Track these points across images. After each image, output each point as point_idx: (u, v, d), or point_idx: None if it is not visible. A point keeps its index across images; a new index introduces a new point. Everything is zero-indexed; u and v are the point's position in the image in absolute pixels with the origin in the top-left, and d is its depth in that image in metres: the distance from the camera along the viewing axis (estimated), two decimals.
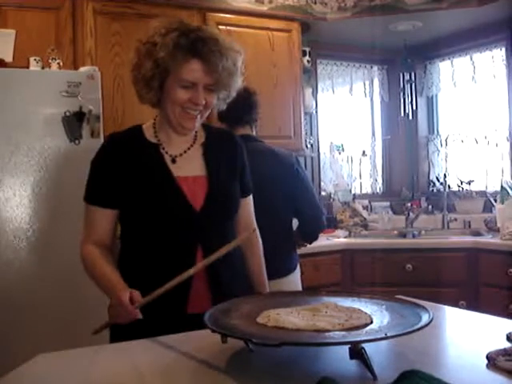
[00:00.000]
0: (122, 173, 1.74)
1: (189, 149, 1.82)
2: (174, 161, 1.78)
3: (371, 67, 5.21)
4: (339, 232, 4.34)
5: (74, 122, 2.98)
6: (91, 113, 3.01)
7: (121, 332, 1.71)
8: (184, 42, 1.67)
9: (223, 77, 1.72)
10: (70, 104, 2.97)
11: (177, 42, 1.67)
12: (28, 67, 3.12)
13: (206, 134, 1.88)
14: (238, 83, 1.81)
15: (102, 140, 3.04)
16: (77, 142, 2.98)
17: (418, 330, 1.19)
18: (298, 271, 2.86)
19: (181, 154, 1.80)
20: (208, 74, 1.70)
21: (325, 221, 2.91)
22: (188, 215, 1.73)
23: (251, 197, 1.97)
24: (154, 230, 1.74)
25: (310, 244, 3.09)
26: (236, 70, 1.76)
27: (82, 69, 3.20)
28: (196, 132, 1.85)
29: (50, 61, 3.18)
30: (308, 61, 4.49)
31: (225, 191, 1.81)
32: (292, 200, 2.73)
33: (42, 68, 3.15)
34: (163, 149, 1.79)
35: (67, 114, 2.96)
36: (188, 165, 1.79)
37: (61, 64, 3.21)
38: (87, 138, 3.00)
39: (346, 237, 4.33)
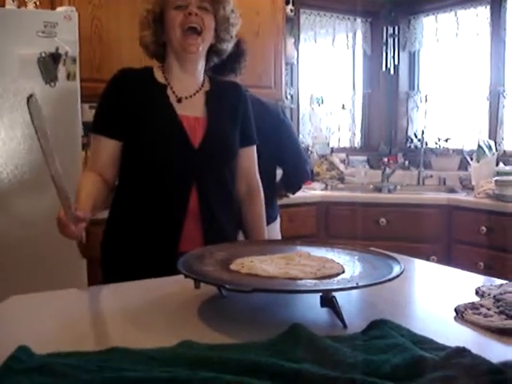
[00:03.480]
0: (127, 105, 1.77)
1: (194, 94, 1.85)
2: (179, 100, 1.82)
3: (355, 19, 5.14)
4: (316, 185, 4.36)
5: (50, 64, 2.92)
6: (68, 54, 2.94)
7: (113, 271, 1.79)
8: None
9: None
10: (46, 45, 2.90)
11: None
12: (4, 6, 3.03)
13: (211, 84, 1.91)
14: (232, 8, 1.85)
15: (78, 83, 2.99)
16: (52, 84, 2.92)
17: (389, 280, 1.20)
18: (278, 221, 2.88)
19: (186, 98, 1.83)
20: None
21: (309, 171, 2.93)
22: (186, 151, 1.76)
23: (254, 148, 1.99)
24: (153, 165, 1.77)
25: (293, 194, 3.11)
26: None
27: (59, 9, 3.11)
28: (203, 81, 1.89)
29: (26, 0, 3.08)
30: (291, 10, 4.43)
31: (223, 134, 1.84)
32: (277, 150, 2.74)
33: (18, 7, 3.06)
34: (170, 88, 1.83)
35: (43, 55, 2.89)
36: (191, 107, 1.82)
37: (37, 3, 3.12)
38: (63, 80, 2.95)
39: (322, 189, 4.35)
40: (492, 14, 4.48)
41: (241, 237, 2.06)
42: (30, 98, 1.27)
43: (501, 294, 1.31)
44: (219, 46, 1.87)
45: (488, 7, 4.51)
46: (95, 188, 1.74)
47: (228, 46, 1.91)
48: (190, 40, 1.75)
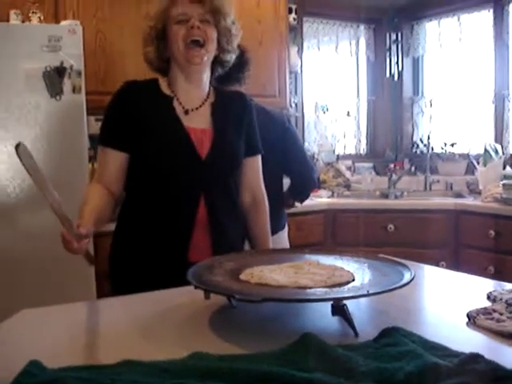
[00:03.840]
0: (134, 117, 1.78)
1: (200, 106, 1.86)
2: (186, 112, 1.83)
3: (358, 26, 5.15)
4: (322, 192, 4.35)
5: (55, 78, 2.93)
6: (72, 68, 2.96)
7: (122, 283, 1.79)
8: None
9: (213, 5, 1.78)
10: (51, 59, 2.91)
11: None
12: (8, 21, 3.04)
13: (216, 95, 1.92)
14: (233, 20, 1.86)
15: (83, 96, 3.00)
16: (58, 97, 2.93)
17: (400, 287, 1.20)
18: (285, 230, 2.88)
19: (192, 110, 1.84)
20: (195, 2, 1.77)
21: (316, 179, 2.93)
22: (194, 162, 1.77)
23: (259, 157, 1.99)
24: (160, 177, 1.77)
25: (301, 203, 3.11)
26: (227, 0, 1.82)
27: (64, 23, 3.13)
28: (209, 92, 1.89)
29: (30, 14, 3.10)
30: (294, 18, 4.43)
31: (229, 145, 1.85)
32: (284, 159, 2.74)
33: (23, 22, 3.07)
34: (177, 100, 1.84)
35: (48, 69, 2.91)
36: (198, 118, 1.84)
37: (42, 18, 3.13)
38: (68, 93, 2.96)
39: (328, 197, 4.34)
40: (495, 18, 4.48)
41: (246, 246, 2.06)
42: (17, 146, 1.37)
43: None
44: (223, 57, 1.88)
45: (491, 11, 4.50)
46: (101, 201, 1.74)
47: (231, 57, 1.91)
48: (194, 52, 1.77)
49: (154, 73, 1.92)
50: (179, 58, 1.79)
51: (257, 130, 1.98)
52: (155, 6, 1.83)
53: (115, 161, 1.80)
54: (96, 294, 2.96)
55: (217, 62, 1.88)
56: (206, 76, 1.87)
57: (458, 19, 4.75)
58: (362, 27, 5.17)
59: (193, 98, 1.85)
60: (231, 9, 1.85)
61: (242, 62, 2.67)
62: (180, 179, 1.76)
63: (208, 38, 1.78)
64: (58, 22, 3.23)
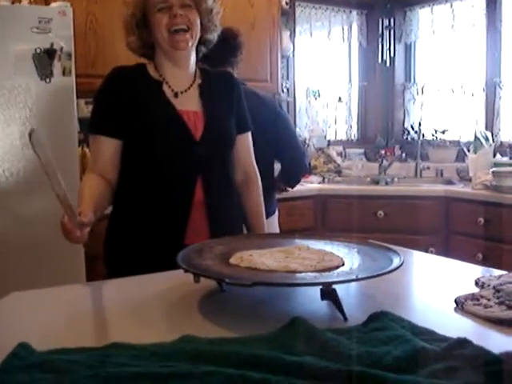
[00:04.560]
0: (125, 103, 1.77)
1: (189, 88, 1.85)
2: (176, 95, 1.82)
3: (350, 12, 5.13)
4: (313, 178, 4.35)
5: (45, 60, 2.90)
6: (63, 50, 2.93)
7: (118, 266, 1.79)
8: None
9: None
10: (40, 41, 2.89)
11: None
12: None
13: (203, 76, 1.92)
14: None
15: (73, 78, 2.98)
16: (47, 80, 2.91)
17: (389, 272, 1.20)
18: (276, 215, 2.89)
19: (181, 92, 1.83)
20: None
21: (307, 165, 2.93)
22: (189, 144, 1.76)
23: (249, 135, 2.00)
24: (156, 161, 1.77)
25: (292, 188, 3.11)
26: None
27: (54, 4, 3.10)
28: (195, 74, 1.89)
29: None
30: (286, 3, 4.41)
31: (221, 124, 1.86)
32: (275, 143, 2.74)
33: (12, 3, 3.04)
34: (166, 83, 1.83)
35: (38, 50, 2.88)
36: (188, 101, 1.83)
37: None
38: (58, 75, 2.94)
39: (319, 183, 4.35)
40: (488, 5, 4.47)
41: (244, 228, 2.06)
42: (31, 133, 1.32)
43: (500, 284, 1.31)
44: (205, 36, 1.87)
45: None
46: (97, 190, 1.72)
47: (214, 36, 1.91)
48: (179, 37, 1.76)
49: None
50: (164, 45, 1.79)
51: (246, 107, 1.98)
52: None
53: (109, 148, 1.79)
54: (86, 276, 2.96)
55: (200, 41, 1.87)
56: (193, 58, 1.87)
57: (451, 6, 4.74)
58: (354, 13, 5.15)
59: (181, 81, 1.85)
60: None
61: (234, 46, 2.66)
62: (175, 162, 1.76)
63: (192, 24, 1.78)
64: (48, 3, 3.19)
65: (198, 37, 1.82)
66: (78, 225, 1.47)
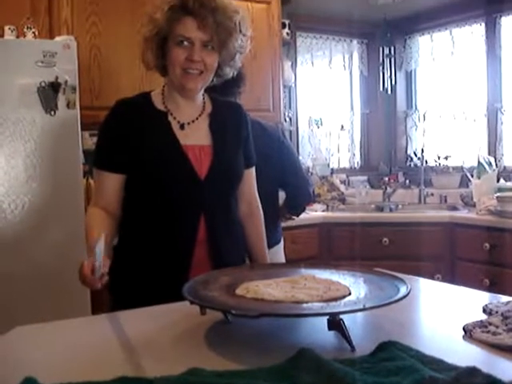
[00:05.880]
0: (129, 138, 1.75)
1: (197, 119, 1.83)
2: (182, 127, 1.80)
3: (351, 41, 5.19)
4: (317, 206, 4.35)
5: (50, 93, 2.93)
6: (67, 83, 2.96)
7: (122, 298, 1.78)
8: (177, 3, 1.71)
9: (219, 33, 1.72)
10: (45, 74, 2.91)
11: (171, 4, 1.71)
12: (3, 36, 3.05)
13: (213, 105, 1.89)
14: (241, 44, 1.80)
15: (78, 111, 3.00)
16: (52, 112, 2.93)
17: (396, 301, 1.19)
18: (281, 244, 2.88)
19: (188, 123, 1.81)
20: (201, 29, 1.70)
21: (311, 193, 2.94)
22: (193, 183, 1.74)
23: (254, 169, 1.99)
24: (159, 198, 1.75)
25: (297, 217, 3.11)
26: (234, 28, 1.75)
27: (58, 38, 3.14)
28: (204, 103, 1.87)
29: (25, 30, 3.11)
30: (287, 33, 4.45)
31: (229, 161, 1.83)
32: (279, 173, 2.75)
33: (17, 37, 3.08)
34: (171, 115, 1.81)
35: (43, 84, 2.91)
36: (195, 134, 1.81)
37: (36, 33, 3.14)
38: (63, 108, 2.96)
39: (323, 210, 4.34)
40: (487, 32, 4.52)
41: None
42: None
43: (508, 310, 1.30)
44: (221, 71, 1.85)
45: (483, 24, 4.54)
46: (106, 227, 1.72)
47: (231, 71, 1.88)
48: (191, 77, 1.74)
49: (149, 82, 1.88)
50: (175, 81, 1.77)
51: (252, 141, 1.97)
52: (158, 13, 1.73)
53: (113, 183, 1.79)
54: (91, 306, 2.95)
55: (215, 73, 1.84)
56: (201, 91, 1.85)
57: (450, 33, 4.79)
58: (355, 42, 5.21)
59: (188, 112, 1.83)
60: (238, 32, 1.77)
61: (237, 77, 2.68)
62: (179, 200, 1.75)
63: (207, 68, 1.75)
64: (52, 37, 3.24)
65: (210, 78, 1.80)
66: (100, 276, 1.49)
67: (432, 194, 4.62)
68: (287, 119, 4.67)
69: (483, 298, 1.59)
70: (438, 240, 3.86)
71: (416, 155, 4.96)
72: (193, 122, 1.82)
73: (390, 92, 5.12)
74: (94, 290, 1.61)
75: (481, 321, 1.26)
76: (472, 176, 4.27)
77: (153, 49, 1.77)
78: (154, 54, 1.78)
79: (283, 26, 4.35)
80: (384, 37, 4.99)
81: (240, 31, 1.78)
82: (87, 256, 1.63)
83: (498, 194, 3.71)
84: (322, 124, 5.03)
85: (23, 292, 2.86)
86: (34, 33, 3.12)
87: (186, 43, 1.71)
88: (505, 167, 4.42)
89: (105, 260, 1.54)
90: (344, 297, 1.26)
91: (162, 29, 1.72)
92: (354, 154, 5.30)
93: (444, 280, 3.54)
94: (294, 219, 3.15)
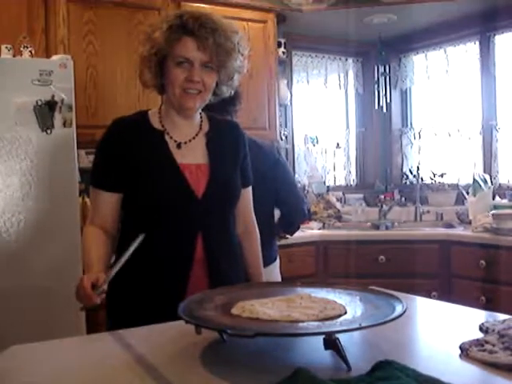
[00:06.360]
0: (125, 157, 1.75)
1: (194, 138, 1.83)
2: (179, 146, 1.80)
3: (346, 59, 5.23)
4: (313, 224, 4.35)
5: (46, 112, 2.94)
6: (63, 102, 2.97)
7: (120, 317, 1.77)
8: (177, 22, 1.71)
9: (219, 53, 1.73)
10: (41, 93, 2.92)
11: (170, 24, 1.71)
12: None
13: (210, 124, 1.89)
14: (239, 64, 1.81)
15: (74, 130, 3.01)
16: (48, 131, 2.94)
17: (392, 320, 1.19)
18: (277, 262, 2.87)
19: (185, 142, 1.81)
20: (201, 49, 1.71)
21: (307, 211, 2.94)
22: (190, 202, 1.74)
23: (250, 189, 1.99)
24: (155, 217, 1.75)
25: (292, 235, 3.11)
26: (234, 49, 1.76)
27: (55, 57, 3.16)
28: (201, 122, 1.87)
29: (21, 49, 3.13)
30: (283, 52, 4.48)
31: (226, 179, 1.83)
32: (274, 190, 2.75)
33: (14, 56, 3.10)
34: (167, 134, 1.80)
35: (39, 102, 2.92)
36: (192, 153, 1.81)
37: (33, 52, 3.16)
38: (59, 127, 2.96)
39: (319, 228, 4.34)
40: (481, 50, 4.55)
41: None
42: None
43: (505, 329, 1.30)
44: (218, 90, 1.85)
45: (477, 43, 4.58)
46: (104, 249, 1.74)
47: (228, 90, 1.89)
48: (189, 96, 1.75)
49: (145, 99, 1.89)
50: (174, 101, 1.77)
51: (249, 160, 1.97)
52: (156, 32, 1.73)
53: (109, 202, 1.79)
54: (86, 326, 2.93)
55: (212, 92, 1.84)
56: (199, 110, 1.86)
57: (445, 51, 4.83)
58: (350, 60, 5.25)
59: (185, 131, 1.83)
60: (237, 53, 1.78)
61: (233, 96, 2.69)
62: (176, 219, 1.74)
63: (205, 88, 1.76)
64: (49, 56, 3.26)
65: (209, 97, 1.81)
66: (99, 293, 1.51)
67: (428, 212, 4.63)
68: (283, 137, 4.68)
69: (480, 316, 1.58)
70: (434, 257, 3.86)
71: (412, 173, 4.97)
72: (190, 141, 1.82)
73: (385, 110, 5.14)
74: (89, 308, 1.61)
75: (477, 339, 1.26)
76: (467, 193, 4.28)
77: (151, 67, 1.77)
78: (152, 73, 1.78)
79: (279, 44, 4.38)
80: (379, 55, 5.03)
81: (239, 51, 1.79)
82: (85, 274, 1.63)
83: (494, 212, 3.72)
84: (317, 142, 5.05)
85: (18, 310, 2.85)
86: (30, 52, 3.14)
87: (185, 64, 1.72)
88: (500, 184, 4.43)
89: (101, 273, 1.57)
90: (340, 316, 1.26)
91: (161, 48, 1.73)
92: (350, 172, 5.31)
93: (440, 297, 3.54)
94: (287, 238, 3.15)
